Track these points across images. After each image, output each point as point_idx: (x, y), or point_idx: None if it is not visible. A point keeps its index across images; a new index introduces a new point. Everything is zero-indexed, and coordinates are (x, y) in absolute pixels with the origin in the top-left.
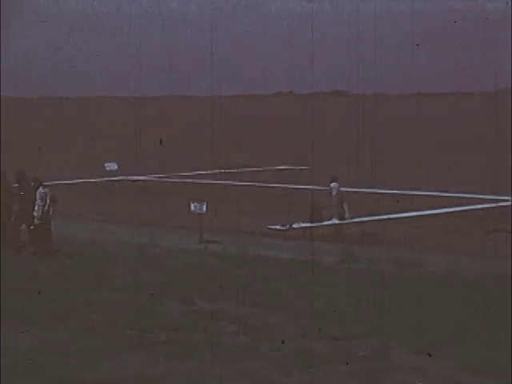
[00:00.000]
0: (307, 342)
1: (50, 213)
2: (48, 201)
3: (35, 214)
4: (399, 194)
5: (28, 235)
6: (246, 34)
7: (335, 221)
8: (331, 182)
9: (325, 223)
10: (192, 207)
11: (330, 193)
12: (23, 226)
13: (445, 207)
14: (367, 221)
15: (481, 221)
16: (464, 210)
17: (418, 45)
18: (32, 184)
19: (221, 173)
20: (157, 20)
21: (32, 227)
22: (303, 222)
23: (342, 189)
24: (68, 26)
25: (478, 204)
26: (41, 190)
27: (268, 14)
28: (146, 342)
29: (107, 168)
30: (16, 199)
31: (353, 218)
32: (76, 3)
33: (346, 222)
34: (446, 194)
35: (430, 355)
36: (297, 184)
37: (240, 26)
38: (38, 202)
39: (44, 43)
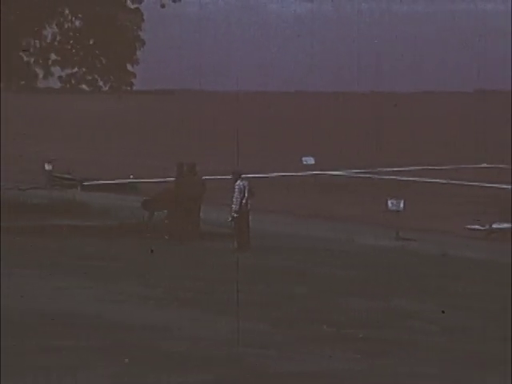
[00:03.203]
0: (503, 346)
1: (248, 206)
2: (246, 194)
3: (233, 206)
4: None
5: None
6: (396, 34)
7: None
8: None
9: None
10: (389, 204)
11: None
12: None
13: None
14: None
15: None
16: None
17: None
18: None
19: (418, 170)
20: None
21: (229, 219)
22: (504, 222)
23: None
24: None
25: None
26: (239, 182)
27: (416, 14)
28: (341, 337)
29: (304, 162)
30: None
31: None
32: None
33: None
34: None
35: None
36: (497, 183)
37: (389, 28)
38: (236, 194)
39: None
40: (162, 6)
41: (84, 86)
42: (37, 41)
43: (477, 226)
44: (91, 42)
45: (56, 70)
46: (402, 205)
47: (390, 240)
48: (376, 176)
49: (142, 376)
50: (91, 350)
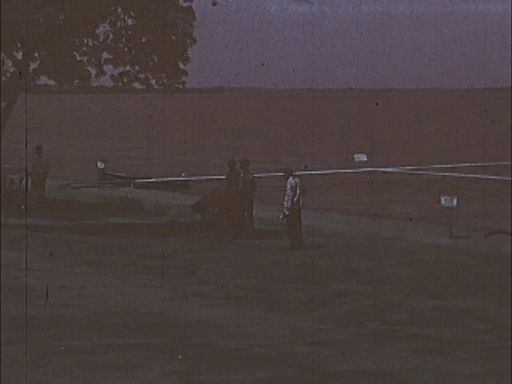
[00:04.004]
0: None
1: (300, 203)
2: (298, 191)
3: (284, 204)
4: None
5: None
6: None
7: None
8: None
9: None
10: (442, 201)
11: None
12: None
13: None
14: None
15: None
16: None
17: None
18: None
19: (472, 166)
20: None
21: (281, 217)
22: None
23: None
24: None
25: None
26: (291, 180)
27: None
28: (395, 335)
29: (356, 159)
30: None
31: None
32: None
33: None
34: None
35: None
36: None
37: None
38: (288, 192)
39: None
40: (214, 3)
41: (136, 85)
42: (89, 40)
43: None
44: (143, 41)
45: (108, 69)
46: (455, 202)
47: (444, 237)
48: (429, 173)
49: (197, 373)
50: (146, 348)
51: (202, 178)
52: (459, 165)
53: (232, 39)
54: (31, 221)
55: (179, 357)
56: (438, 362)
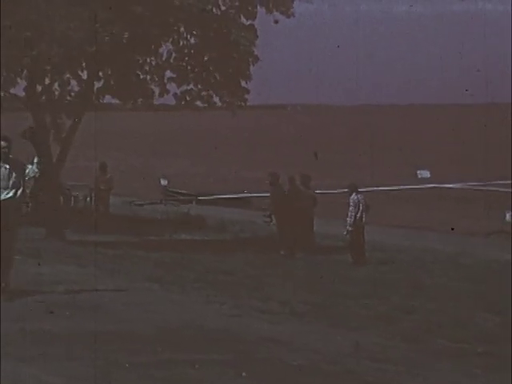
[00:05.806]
0: None
1: (363, 220)
2: (361, 207)
3: (348, 220)
4: None
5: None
6: None
7: None
8: None
9: None
10: (507, 217)
11: None
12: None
13: None
14: None
15: None
16: None
17: None
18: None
19: None
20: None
21: (345, 233)
22: None
23: None
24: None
25: None
26: (354, 196)
27: None
28: (461, 352)
29: (419, 176)
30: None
31: None
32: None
33: None
34: None
35: None
36: None
37: None
38: (351, 208)
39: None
40: (276, 21)
41: (198, 103)
42: (153, 58)
43: None
44: (206, 59)
45: (171, 87)
46: None
47: (507, 253)
48: (493, 188)
49: None
50: (209, 364)
51: (264, 194)
52: None
53: (293, 56)
54: (96, 237)
55: (243, 374)
56: (505, 381)
